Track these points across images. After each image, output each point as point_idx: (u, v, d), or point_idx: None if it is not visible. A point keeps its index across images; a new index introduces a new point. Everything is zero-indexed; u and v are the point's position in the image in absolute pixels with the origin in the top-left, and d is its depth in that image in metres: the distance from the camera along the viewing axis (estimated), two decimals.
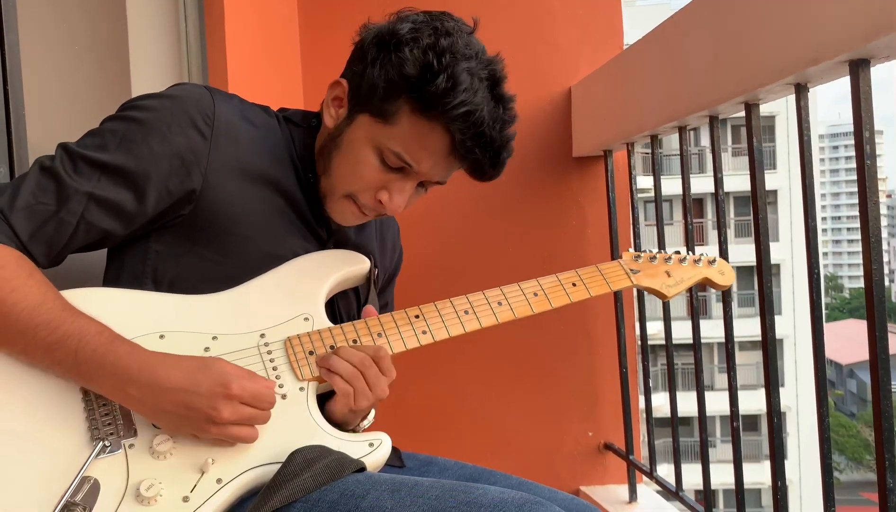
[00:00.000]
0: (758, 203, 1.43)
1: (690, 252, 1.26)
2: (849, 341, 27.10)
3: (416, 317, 1.08)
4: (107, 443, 0.91)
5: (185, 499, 0.90)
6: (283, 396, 0.99)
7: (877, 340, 1.13)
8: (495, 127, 1.03)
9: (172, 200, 1.02)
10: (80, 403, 0.94)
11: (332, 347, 1.02)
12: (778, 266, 17.39)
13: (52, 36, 1.53)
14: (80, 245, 1.01)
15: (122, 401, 0.93)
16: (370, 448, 0.98)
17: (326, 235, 1.14)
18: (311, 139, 1.13)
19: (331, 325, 1.05)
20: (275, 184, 1.08)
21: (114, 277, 1.06)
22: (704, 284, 1.27)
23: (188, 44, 1.81)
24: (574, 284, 1.16)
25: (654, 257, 1.22)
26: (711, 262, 1.25)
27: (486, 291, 1.12)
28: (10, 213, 0.95)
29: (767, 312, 1.43)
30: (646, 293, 2.11)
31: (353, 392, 0.99)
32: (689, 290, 1.77)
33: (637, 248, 2.03)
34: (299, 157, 1.12)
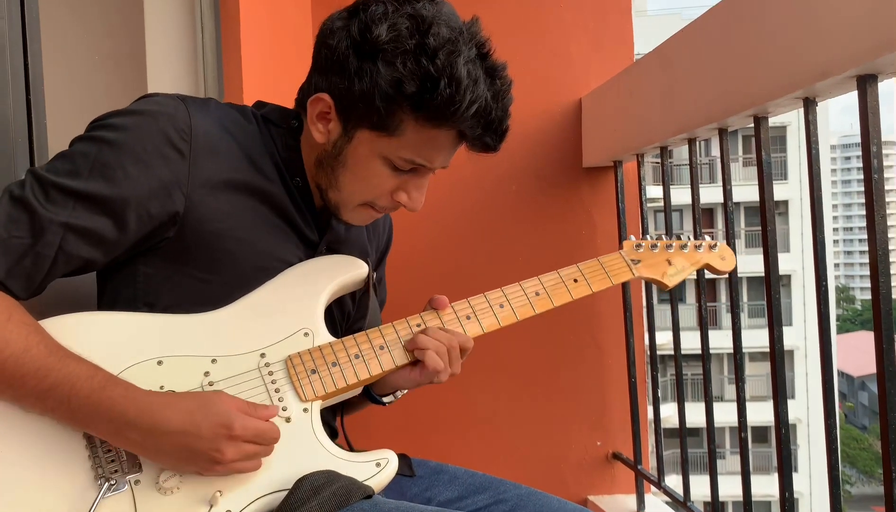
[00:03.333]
0: (766, 215, 1.44)
1: (690, 237, 1.24)
2: (860, 353, 26.87)
3: (418, 325, 1.07)
4: (111, 481, 0.90)
5: None
6: (288, 419, 0.97)
7: (883, 353, 1.14)
8: (498, 106, 0.98)
9: (154, 224, 0.97)
10: (81, 440, 0.92)
11: (334, 364, 1.01)
12: (789, 277, 17.31)
13: (73, 46, 1.56)
14: (61, 274, 0.96)
15: (123, 445, 0.91)
16: (377, 469, 0.97)
17: (318, 237, 1.10)
18: (294, 141, 1.08)
19: (332, 339, 1.03)
20: (259, 193, 1.04)
21: (107, 303, 1.03)
22: (706, 270, 1.26)
23: (204, 51, 1.84)
24: (575, 281, 1.14)
25: (656, 245, 1.20)
26: (712, 246, 1.23)
27: (487, 293, 1.11)
28: None
29: (776, 323, 1.43)
30: (654, 304, 2.13)
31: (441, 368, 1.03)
32: (697, 298, 1.79)
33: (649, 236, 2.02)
34: (283, 160, 1.07)
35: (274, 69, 1.99)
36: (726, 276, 1.31)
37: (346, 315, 1.17)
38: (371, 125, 0.99)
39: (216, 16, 1.83)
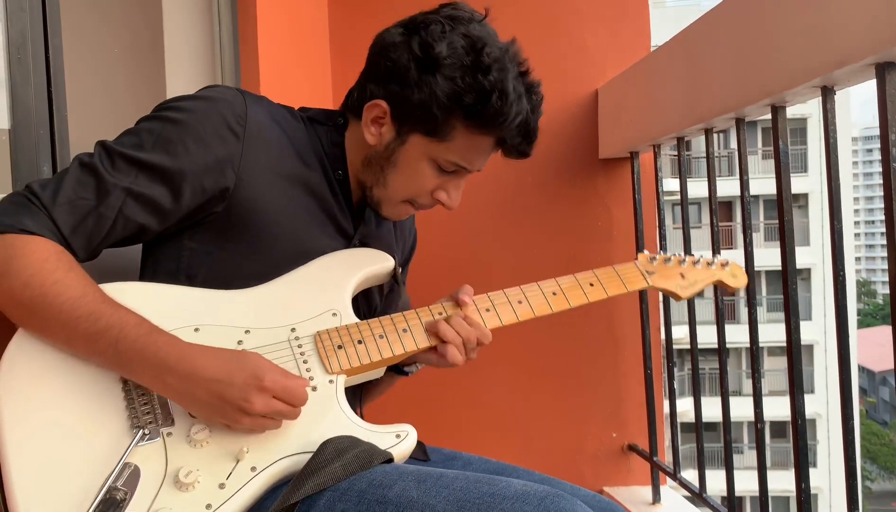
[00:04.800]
0: (783, 206, 1.43)
1: (703, 255, 1.31)
2: (882, 348, 26.55)
3: (440, 313, 1.12)
4: (146, 431, 0.95)
5: (222, 486, 0.94)
6: (314, 388, 1.03)
7: None
8: (535, 118, 1.11)
9: (206, 198, 1.05)
10: (119, 392, 0.97)
11: (360, 342, 1.07)
12: (808, 271, 17.13)
13: (93, 40, 1.58)
14: (117, 239, 1.04)
15: (160, 390, 0.96)
16: (397, 439, 1.01)
17: (353, 230, 1.18)
18: (339, 137, 1.17)
19: (358, 320, 1.09)
20: (304, 183, 1.12)
21: (149, 274, 1.10)
22: (718, 287, 1.33)
23: (221, 47, 1.85)
24: (591, 284, 1.20)
25: (669, 259, 1.27)
26: (724, 265, 1.30)
27: (506, 290, 1.16)
28: (52, 207, 0.98)
29: (792, 313, 1.43)
30: (671, 299, 2.12)
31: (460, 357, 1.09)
32: (714, 293, 1.78)
33: (663, 249, 2.03)
34: (327, 155, 1.16)
35: (291, 63, 2.00)
36: (737, 294, 1.35)
37: (372, 309, 1.23)
38: (425, 131, 1.10)
39: (233, 10, 1.84)
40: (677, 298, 1.27)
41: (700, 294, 1.33)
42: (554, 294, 1.17)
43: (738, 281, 1.30)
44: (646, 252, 1.27)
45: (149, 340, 0.95)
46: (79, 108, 1.34)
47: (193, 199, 1.05)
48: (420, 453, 1.16)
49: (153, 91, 1.78)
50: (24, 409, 0.94)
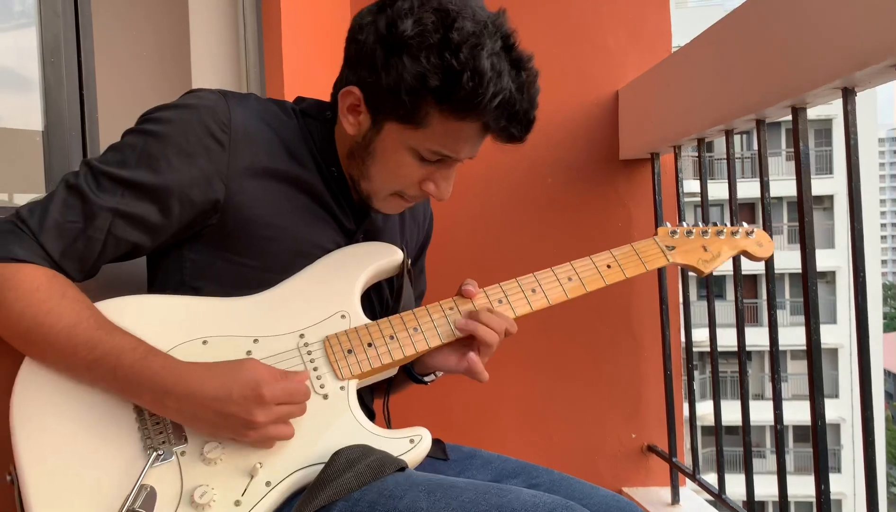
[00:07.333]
0: (804, 207, 1.43)
1: (726, 224, 1.22)
2: None
3: (451, 309, 1.10)
4: (159, 451, 0.95)
5: (237, 503, 0.94)
6: (325, 396, 1.01)
7: None
8: (523, 97, 1.00)
9: (197, 211, 1.03)
10: (131, 413, 0.97)
11: (370, 345, 1.05)
12: (833, 273, 16.89)
13: (122, 44, 1.62)
14: (112, 258, 1.02)
15: (163, 412, 0.96)
16: (411, 445, 1.00)
17: (355, 225, 1.15)
18: (329, 132, 1.12)
19: (367, 321, 1.07)
20: (297, 182, 1.08)
21: (157, 287, 1.09)
22: (743, 256, 1.24)
23: (246, 48, 1.88)
24: (609, 266, 1.14)
25: (691, 232, 1.19)
26: (749, 233, 1.21)
27: (519, 278, 1.12)
28: (40, 233, 0.97)
29: (812, 316, 1.42)
30: (693, 300, 2.11)
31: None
32: (735, 295, 1.78)
33: (684, 221, 2.00)
34: (319, 150, 1.11)
35: (314, 64, 2.03)
36: (763, 262, 1.28)
37: (384, 302, 1.20)
38: (398, 118, 1.02)
39: (258, 13, 1.87)
40: (700, 273, 1.18)
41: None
42: (569, 279, 1.12)
43: (765, 250, 1.21)
44: (667, 225, 1.19)
45: (144, 365, 0.93)
46: (109, 110, 1.37)
47: (184, 214, 1.02)
48: (439, 452, 1.15)
49: (180, 91, 1.81)
50: (38, 434, 0.94)
